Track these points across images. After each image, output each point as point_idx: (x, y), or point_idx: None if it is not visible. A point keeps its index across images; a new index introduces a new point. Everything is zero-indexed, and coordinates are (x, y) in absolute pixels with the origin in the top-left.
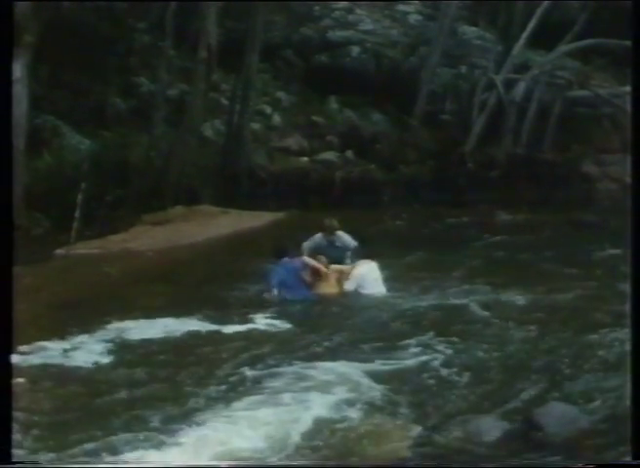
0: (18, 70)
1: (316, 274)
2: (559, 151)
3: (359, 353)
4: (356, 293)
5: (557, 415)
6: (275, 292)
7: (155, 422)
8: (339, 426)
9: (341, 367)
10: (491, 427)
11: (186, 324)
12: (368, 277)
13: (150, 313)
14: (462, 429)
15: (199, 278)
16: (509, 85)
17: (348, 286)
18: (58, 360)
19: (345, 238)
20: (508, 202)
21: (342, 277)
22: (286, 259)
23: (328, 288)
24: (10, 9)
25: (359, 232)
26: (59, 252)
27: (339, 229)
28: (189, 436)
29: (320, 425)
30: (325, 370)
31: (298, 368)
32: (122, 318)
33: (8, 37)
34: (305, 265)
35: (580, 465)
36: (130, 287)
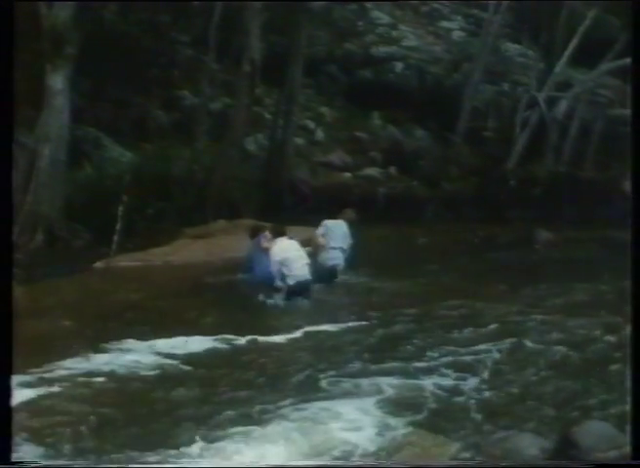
0: (59, 82)
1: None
2: (600, 169)
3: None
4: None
5: (596, 434)
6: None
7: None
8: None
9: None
10: (529, 445)
11: (233, 338)
12: (292, 256)
13: (192, 329)
14: (501, 447)
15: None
16: (551, 102)
17: (273, 266)
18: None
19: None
20: (550, 219)
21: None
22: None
23: None
24: (10, 9)
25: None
26: (99, 264)
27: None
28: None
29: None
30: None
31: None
32: (162, 334)
33: (8, 36)
34: (264, 236)
35: (580, 465)
36: (171, 301)
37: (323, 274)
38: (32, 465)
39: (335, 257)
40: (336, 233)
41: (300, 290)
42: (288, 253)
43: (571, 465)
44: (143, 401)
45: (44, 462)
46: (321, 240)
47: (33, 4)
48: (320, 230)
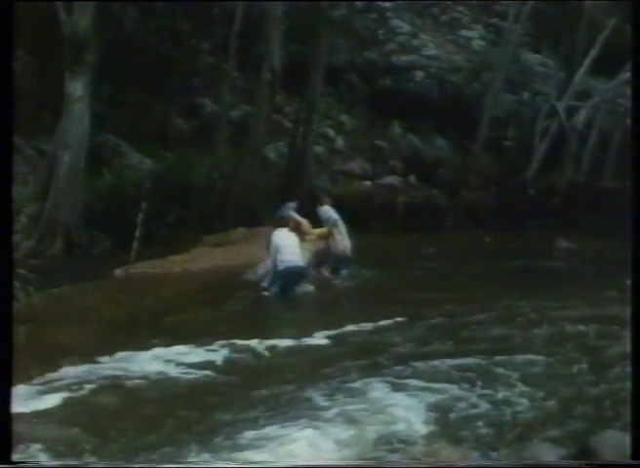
0: (79, 88)
1: (296, 226)
2: (619, 179)
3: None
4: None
5: (613, 443)
6: None
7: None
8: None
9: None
10: (546, 453)
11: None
12: (284, 243)
13: (212, 336)
14: (518, 455)
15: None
16: (571, 112)
17: (270, 253)
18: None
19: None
20: (569, 229)
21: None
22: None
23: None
24: (10, 9)
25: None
26: (118, 271)
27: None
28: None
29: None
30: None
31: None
32: (180, 341)
33: (8, 37)
34: (290, 214)
35: (580, 465)
36: (189, 308)
37: (339, 262)
38: (33, 465)
39: (348, 246)
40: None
41: (290, 275)
42: (282, 241)
43: (571, 465)
44: (165, 406)
45: (46, 462)
46: (339, 230)
47: (53, 11)
48: (334, 217)
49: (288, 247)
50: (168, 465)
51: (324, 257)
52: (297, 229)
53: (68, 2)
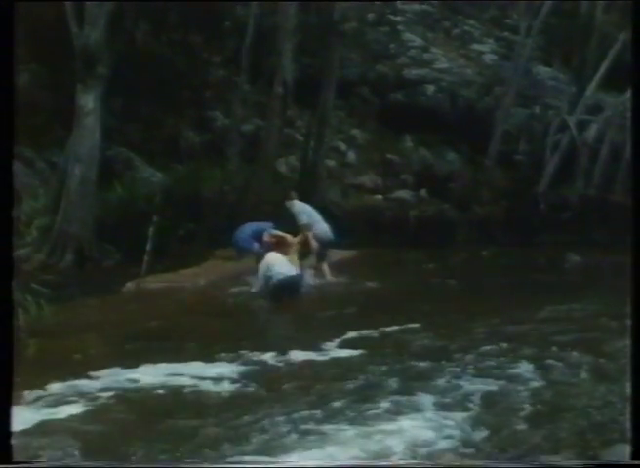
0: (90, 102)
1: (279, 242)
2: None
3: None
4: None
5: (622, 457)
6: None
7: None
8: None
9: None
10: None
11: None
12: (274, 261)
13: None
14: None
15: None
16: (582, 126)
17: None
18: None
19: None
20: (580, 243)
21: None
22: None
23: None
24: (10, 9)
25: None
26: (129, 284)
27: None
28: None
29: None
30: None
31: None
32: (190, 356)
33: (8, 38)
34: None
35: (580, 465)
36: (200, 322)
37: (323, 248)
38: (33, 465)
39: (326, 230)
40: (312, 211)
41: (287, 284)
42: (272, 261)
43: (571, 465)
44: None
45: (46, 462)
46: (313, 226)
47: (65, 23)
48: (303, 222)
49: (279, 264)
50: (168, 465)
51: (317, 257)
52: (282, 243)
53: (78, 12)
